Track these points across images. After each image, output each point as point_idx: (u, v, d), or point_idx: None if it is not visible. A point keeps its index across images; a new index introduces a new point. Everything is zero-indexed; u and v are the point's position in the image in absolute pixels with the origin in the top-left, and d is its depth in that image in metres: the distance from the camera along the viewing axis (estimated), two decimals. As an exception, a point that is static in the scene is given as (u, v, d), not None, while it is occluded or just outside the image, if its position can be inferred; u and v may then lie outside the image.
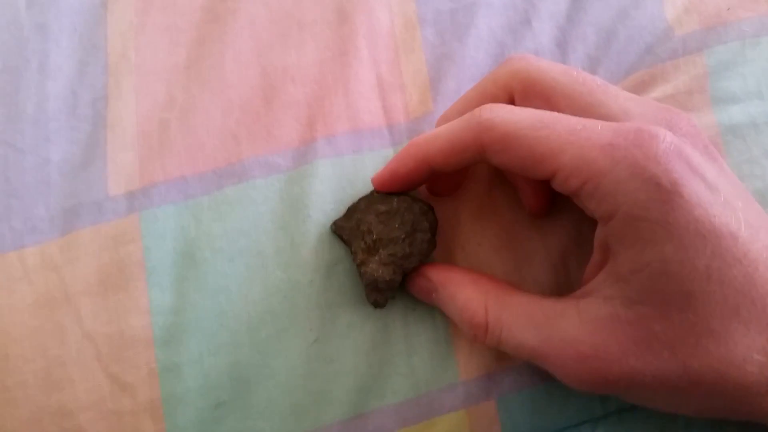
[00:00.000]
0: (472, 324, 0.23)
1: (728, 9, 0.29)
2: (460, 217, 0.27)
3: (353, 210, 0.26)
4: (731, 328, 0.19)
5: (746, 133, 0.27)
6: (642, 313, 0.19)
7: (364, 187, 0.27)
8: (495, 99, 0.24)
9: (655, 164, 0.19)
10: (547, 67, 0.23)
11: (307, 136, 0.28)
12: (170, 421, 0.25)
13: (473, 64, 0.29)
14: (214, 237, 0.26)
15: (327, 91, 0.28)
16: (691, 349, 0.19)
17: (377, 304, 0.25)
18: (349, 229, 0.25)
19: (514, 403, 0.26)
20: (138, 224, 0.26)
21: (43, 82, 0.28)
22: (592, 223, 0.22)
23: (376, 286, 0.25)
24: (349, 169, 0.27)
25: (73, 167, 0.27)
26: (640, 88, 0.29)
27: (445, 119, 0.26)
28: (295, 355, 0.25)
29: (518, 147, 0.21)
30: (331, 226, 0.26)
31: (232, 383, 0.25)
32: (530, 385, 0.26)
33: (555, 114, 0.21)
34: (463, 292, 0.24)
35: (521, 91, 0.23)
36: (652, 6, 0.29)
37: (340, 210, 0.27)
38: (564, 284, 0.26)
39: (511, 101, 0.24)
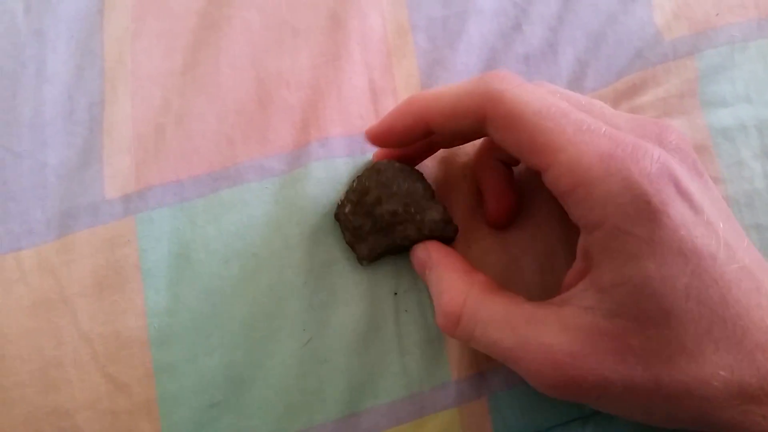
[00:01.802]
0: (445, 311, 0.23)
1: (717, 14, 0.30)
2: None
3: (356, 237, 0.26)
4: (703, 346, 0.19)
5: (736, 136, 0.28)
6: (621, 326, 0.20)
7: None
8: (465, 114, 0.22)
9: (648, 182, 0.19)
10: (527, 98, 0.21)
11: (301, 140, 0.28)
12: (166, 421, 0.25)
13: (465, 70, 0.29)
14: (208, 239, 0.27)
15: (320, 95, 0.29)
16: (663, 364, 0.19)
17: (456, 230, 0.26)
18: (384, 244, 0.26)
19: (505, 401, 0.26)
20: (134, 227, 0.27)
21: (40, 87, 0.29)
22: (577, 226, 0.22)
23: (445, 220, 0.25)
24: (342, 172, 0.28)
25: (70, 171, 0.28)
26: (631, 92, 0.29)
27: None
28: (289, 355, 0.26)
29: (520, 130, 0.21)
30: (362, 262, 0.26)
31: (226, 383, 0.25)
32: (521, 383, 0.26)
33: (565, 106, 0.21)
34: (449, 277, 0.23)
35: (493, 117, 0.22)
36: (642, 11, 0.30)
37: (332, 212, 0.27)
38: (551, 286, 0.27)
39: (482, 121, 0.22)
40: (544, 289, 0.27)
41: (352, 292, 0.26)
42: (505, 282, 0.27)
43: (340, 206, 0.26)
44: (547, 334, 0.20)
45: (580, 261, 0.22)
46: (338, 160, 0.28)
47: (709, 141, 0.28)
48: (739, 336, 0.19)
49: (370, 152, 0.28)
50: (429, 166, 0.28)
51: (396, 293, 0.27)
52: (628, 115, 0.22)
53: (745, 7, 0.30)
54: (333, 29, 0.30)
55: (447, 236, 0.26)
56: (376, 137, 0.25)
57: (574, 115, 0.20)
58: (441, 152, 0.28)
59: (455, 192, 0.28)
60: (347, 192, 0.26)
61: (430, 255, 0.25)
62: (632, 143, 0.19)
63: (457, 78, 0.29)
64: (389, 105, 0.29)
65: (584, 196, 0.20)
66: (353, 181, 0.26)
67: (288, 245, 0.27)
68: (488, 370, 0.26)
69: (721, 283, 0.19)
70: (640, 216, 0.19)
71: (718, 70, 0.29)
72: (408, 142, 0.25)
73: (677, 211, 0.19)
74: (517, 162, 0.27)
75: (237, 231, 0.27)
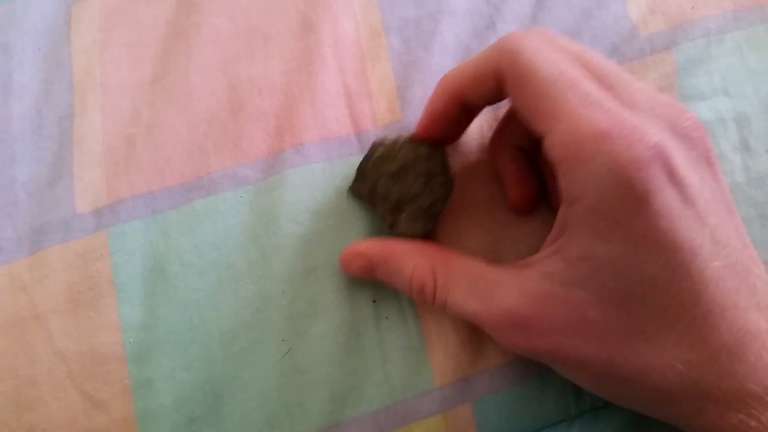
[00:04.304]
0: (423, 290, 0.23)
1: (692, 7, 0.30)
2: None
3: (362, 171, 0.26)
4: (664, 336, 0.19)
5: (715, 130, 0.28)
6: (577, 297, 0.20)
7: (335, 195, 0.27)
8: (487, 75, 0.22)
9: (635, 168, 0.18)
10: (539, 63, 0.21)
11: (276, 147, 0.28)
12: None
13: (440, 71, 0.29)
14: (183, 251, 0.26)
15: (294, 101, 0.28)
16: (619, 344, 0.19)
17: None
18: (368, 190, 0.26)
19: (490, 406, 0.26)
20: (106, 241, 0.26)
21: (7, 101, 0.28)
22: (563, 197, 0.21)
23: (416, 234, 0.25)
24: (318, 178, 0.27)
25: (40, 186, 0.27)
26: (608, 88, 0.29)
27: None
28: (269, 366, 0.25)
29: (528, 94, 0.20)
30: (348, 191, 0.27)
31: (206, 397, 0.25)
32: (505, 387, 0.26)
33: (576, 76, 0.20)
34: (410, 262, 0.24)
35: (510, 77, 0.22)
36: (616, 6, 0.30)
37: (312, 219, 0.27)
38: None
39: (501, 80, 0.22)
40: None
41: (332, 300, 0.26)
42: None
43: (375, 147, 0.25)
44: (506, 297, 0.21)
45: (556, 230, 0.22)
46: (315, 166, 0.27)
47: None
48: (705, 334, 0.19)
49: (348, 156, 0.28)
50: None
51: (375, 300, 0.26)
52: (652, 91, 0.21)
53: None
54: (304, 34, 0.29)
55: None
56: (426, 130, 0.25)
57: (583, 87, 0.20)
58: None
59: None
60: (387, 146, 0.25)
61: (370, 257, 0.25)
62: (632, 125, 0.19)
63: (433, 80, 0.29)
64: (365, 108, 0.29)
65: (571, 170, 0.20)
66: (404, 142, 0.25)
67: (265, 255, 0.26)
68: (471, 374, 0.26)
69: (697, 279, 0.19)
70: (620, 200, 0.19)
71: (696, 63, 0.29)
72: (452, 123, 0.25)
73: (663, 200, 0.18)
74: (531, 146, 0.26)
75: (212, 242, 0.26)
